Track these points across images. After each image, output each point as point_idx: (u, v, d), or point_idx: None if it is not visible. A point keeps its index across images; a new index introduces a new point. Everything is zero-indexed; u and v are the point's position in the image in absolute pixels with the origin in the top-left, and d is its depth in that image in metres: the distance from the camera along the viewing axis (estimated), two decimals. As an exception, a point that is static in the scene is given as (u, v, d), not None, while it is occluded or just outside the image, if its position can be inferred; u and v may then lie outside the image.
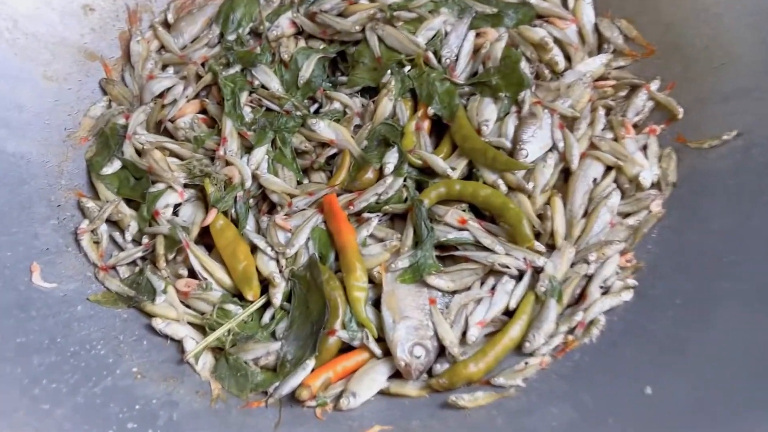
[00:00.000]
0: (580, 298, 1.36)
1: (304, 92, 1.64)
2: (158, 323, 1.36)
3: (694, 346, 1.13)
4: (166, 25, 1.78)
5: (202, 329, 1.39)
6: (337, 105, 1.60)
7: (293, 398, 1.28)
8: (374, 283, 1.39)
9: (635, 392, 1.11)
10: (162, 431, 1.15)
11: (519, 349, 1.31)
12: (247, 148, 1.56)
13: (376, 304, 1.37)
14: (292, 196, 1.49)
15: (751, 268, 1.18)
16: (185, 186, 1.52)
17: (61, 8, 1.62)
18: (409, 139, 1.50)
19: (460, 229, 1.41)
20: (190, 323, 1.39)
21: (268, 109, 1.60)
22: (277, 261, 1.42)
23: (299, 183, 1.55)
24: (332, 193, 1.47)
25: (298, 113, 1.58)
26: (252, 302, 1.39)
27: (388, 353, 1.32)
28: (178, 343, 1.38)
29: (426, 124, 1.55)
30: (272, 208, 1.52)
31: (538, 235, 1.42)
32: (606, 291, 1.35)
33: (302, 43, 1.69)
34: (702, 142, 1.42)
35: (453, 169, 1.47)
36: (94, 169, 1.57)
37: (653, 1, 1.59)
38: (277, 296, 1.37)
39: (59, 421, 1.09)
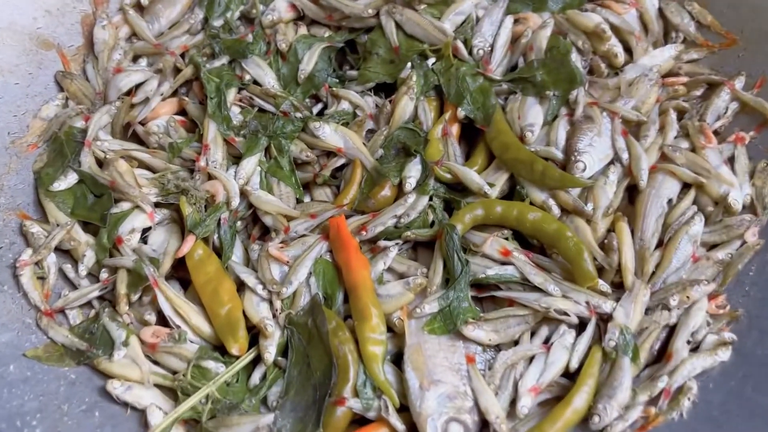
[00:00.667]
0: (660, 357, 1.26)
1: (305, 89, 1.58)
2: (115, 387, 1.26)
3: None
4: (139, 7, 1.72)
5: (173, 394, 1.30)
6: (345, 105, 1.55)
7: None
8: (394, 332, 1.31)
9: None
10: None
11: (585, 424, 1.21)
12: (235, 158, 1.51)
13: (397, 361, 1.28)
14: (289, 218, 1.43)
15: None
16: (156, 205, 1.46)
17: (8, -16, 1.60)
18: (435, 147, 1.45)
19: (503, 263, 1.33)
20: (156, 386, 1.31)
21: (261, 110, 1.55)
22: (271, 303, 1.34)
23: (299, 202, 1.50)
24: (340, 214, 1.40)
25: (298, 115, 1.53)
26: (238, 358, 1.31)
27: (414, 428, 1.21)
28: (141, 413, 1.27)
29: (455, 129, 1.50)
30: (265, 234, 1.46)
31: (600, 271, 1.33)
32: (695, 347, 1.26)
33: (303, 30, 1.66)
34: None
35: (491, 185, 1.40)
36: (43, 183, 1.50)
37: (733, -21, 1.58)
38: (270, 350, 1.29)
39: None
